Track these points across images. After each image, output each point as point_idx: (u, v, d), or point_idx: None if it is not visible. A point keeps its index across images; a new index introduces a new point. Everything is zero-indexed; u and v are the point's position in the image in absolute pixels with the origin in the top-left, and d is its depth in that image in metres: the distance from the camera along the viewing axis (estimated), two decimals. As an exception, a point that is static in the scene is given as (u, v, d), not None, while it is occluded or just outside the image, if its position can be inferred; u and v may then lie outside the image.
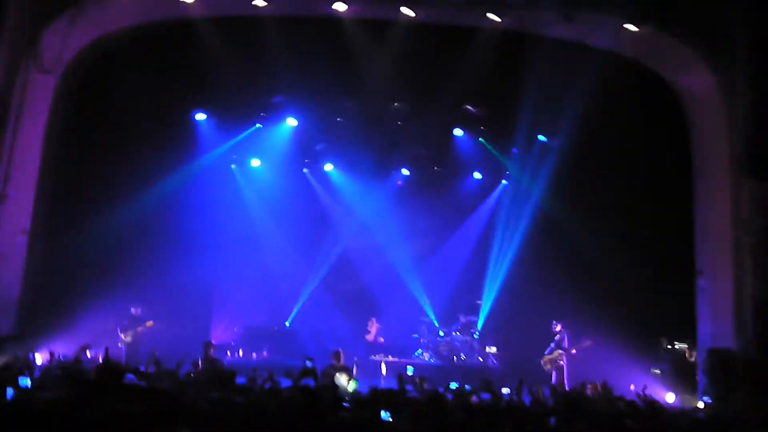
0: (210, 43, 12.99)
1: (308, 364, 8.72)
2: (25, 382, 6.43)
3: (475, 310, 15.37)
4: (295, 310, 15.53)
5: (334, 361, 10.35)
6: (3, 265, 11.62)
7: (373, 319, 14.51)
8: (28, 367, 7.74)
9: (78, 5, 11.90)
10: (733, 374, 10.62)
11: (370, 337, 14.32)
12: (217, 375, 8.25)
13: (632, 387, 10.86)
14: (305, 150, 16.08)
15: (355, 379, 9.84)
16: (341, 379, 9.49)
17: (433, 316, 15.27)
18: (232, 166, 15.91)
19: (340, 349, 10.69)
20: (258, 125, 15.42)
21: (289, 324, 15.43)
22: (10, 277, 11.76)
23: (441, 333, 14.97)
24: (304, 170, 16.53)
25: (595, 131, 13.72)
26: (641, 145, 13.45)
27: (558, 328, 13.17)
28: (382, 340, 14.41)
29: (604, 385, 9.45)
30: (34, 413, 5.32)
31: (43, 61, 11.71)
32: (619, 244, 14.09)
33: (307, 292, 15.55)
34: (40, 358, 9.48)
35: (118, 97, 12.98)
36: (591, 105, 13.26)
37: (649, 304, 13.62)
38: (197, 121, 15.06)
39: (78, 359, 8.42)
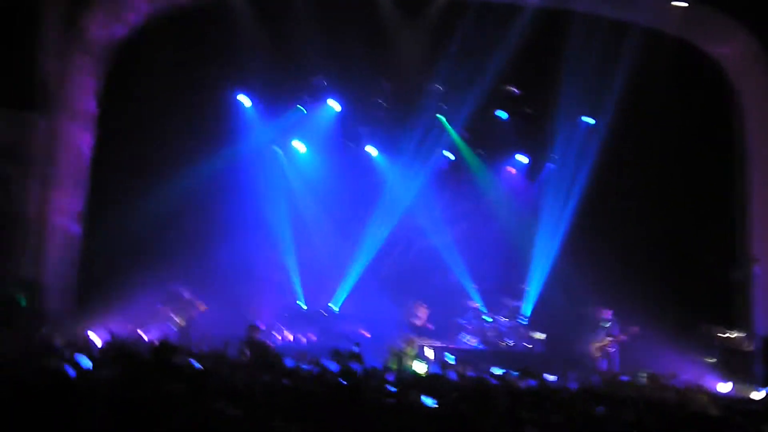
0: (249, 24, 13.05)
1: (355, 348, 8.75)
2: (85, 361, 6.58)
3: (520, 295, 15.18)
4: (341, 294, 15.57)
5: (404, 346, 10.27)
6: (61, 248, 11.96)
7: (423, 304, 14.40)
8: (86, 346, 7.94)
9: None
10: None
11: (419, 322, 14.25)
12: (265, 358, 8.35)
13: (685, 376, 10.62)
14: (347, 132, 16.06)
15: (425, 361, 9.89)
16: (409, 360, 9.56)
17: (479, 301, 15.12)
18: (275, 148, 15.92)
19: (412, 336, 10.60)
20: (300, 107, 15.41)
21: (337, 308, 15.50)
22: (67, 256, 12.10)
23: (487, 318, 14.83)
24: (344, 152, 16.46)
25: (641, 109, 13.39)
26: (685, 125, 13.06)
27: (608, 314, 12.94)
28: (431, 326, 14.28)
29: (656, 376, 9.24)
30: (93, 391, 5.45)
31: (87, 44, 11.89)
32: (669, 228, 13.77)
33: (353, 276, 15.53)
34: (97, 339, 9.72)
35: (161, 80, 13.11)
36: (632, 84, 12.98)
37: (701, 291, 13.29)
38: (239, 102, 15.16)
39: (134, 339, 8.61)
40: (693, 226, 13.65)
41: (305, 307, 15.22)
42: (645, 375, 9.35)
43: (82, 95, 12.55)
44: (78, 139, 12.46)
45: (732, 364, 11.93)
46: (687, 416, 6.33)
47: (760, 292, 12.02)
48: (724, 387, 10.73)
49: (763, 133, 12.26)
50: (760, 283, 12.00)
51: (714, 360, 12.36)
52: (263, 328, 12.24)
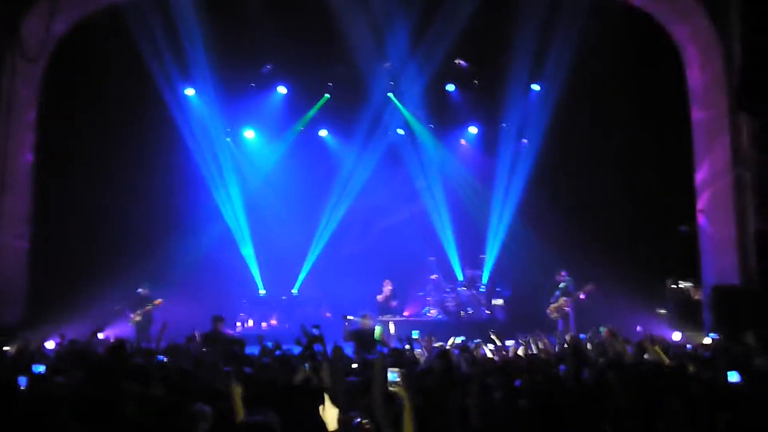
0: (192, 14, 12.86)
1: (315, 331, 8.78)
2: (39, 368, 6.52)
3: (479, 264, 15.47)
4: (300, 278, 15.64)
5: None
6: (8, 255, 11.72)
7: (387, 281, 14.52)
8: (40, 354, 7.85)
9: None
10: (738, 309, 10.70)
11: (381, 297, 14.39)
12: (227, 348, 8.36)
13: (639, 328, 10.98)
14: (298, 117, 16.01)
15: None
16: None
17: (438, 273, 15.35)
18: (227, 138, 15.78)
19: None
20: (251, 90, 15.30)
21: (297, 291, 15.56)
22: (15, 266, 11.87)
23: (447, 289, 15.08)
24: (295, 137, 16.43)
25: (590, 77, 13.62)
26: (636, 88, 13.35)
27: (563, 275, 13.24)
28: (394, 303, 14.47)
29: (612, 331, 9.50)
30: (50, 398, 5.41)
31: (26, 50, 11.61)
32: (619, 189, 14.13)
33: (312, 258, 15.61)
34: (52, 344, 9.59)
35: (105, 78, 12.91)
36: (584, 50, 13.16)
37: (652, 247, 13.70)
38: (187, 96, 14.95)
39: (89, 342, 8.52)
40: (642, 186, 14.03)
41: (263, 293, 15.27)
42: (603, 330, 9.57)
43: (27, 103, 12.28)
44: (20, 145, 12.16)
45: (683, 314, 12.37)
46: (645, 370, 6.59)
47: (706, 244, 12.41)
48: (676, 336, 11.11)
49: (706, 88, 12.56)
50: (705, 234, 12.38)
51: (666, 311, 12.80)
52: (226, 317, 12.23)
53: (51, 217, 12.37)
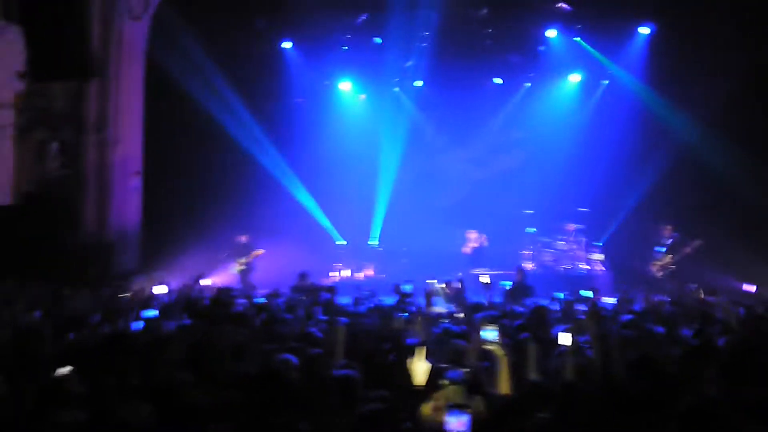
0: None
1: (407, 288, 8.79)
2: (150, 313, 6.96)
3: (580, 218, 14.93)
4: (383, 228, 15.66)
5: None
6: (125, 204, 12.52)
7: (471, 231, 14.24)
8: (151, 299, 8.37)
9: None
10: None
11: (467, 249, 14.15)
12: (315, 297, 8.57)
13: (754, 289, 10.32)
14: (395, 68, 15.83)
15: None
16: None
17: (536, 226, 14.98)
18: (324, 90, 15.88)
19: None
20: (345, 48, 15.27)
21: (382, 243, 15.65)
22: (130, 216, 12.65)
23: (546, 240, 14.72)
24: (395, 89, 16.28)
25: (700, 18, 12.57)
26: (752, 38, 12.17)
27: (668, 230, 12.58)
28: (483, 246, 14.12)
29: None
30: (159, 340, 5.77)
31: (130, 8, 12.09)
32: (730, 144, 13.09)
33: (405, 210, 15.56)
34: (164, 288, 10.19)
35: (207, 35, 13.24)
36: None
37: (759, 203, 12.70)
38: (284, 50, 15.13)
39: (193, 289, 9.00)
40: (760, 139, 12.92)
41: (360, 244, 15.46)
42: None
43: (135, 60, 12.85)
44: (130, 101, 12.80)
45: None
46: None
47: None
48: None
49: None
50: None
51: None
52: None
53: (159, 169, 13.00)
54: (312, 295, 8.70)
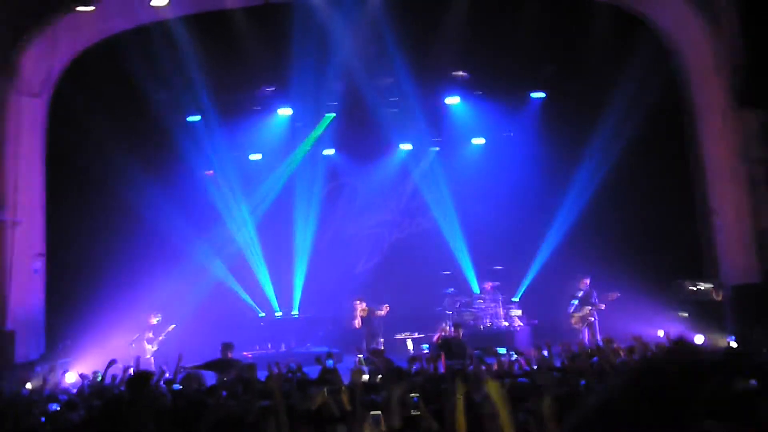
0: (189, 44, 13.00)
1: (329, 362, 8.64)
2: (54, 406, 6.48)
3: (496, 276, 15.26)
4: (301, 297, 15.55)
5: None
6: (25, 290, 11.76)
7: (358, 301, 13.13)
8: (59, 389, 7.81)
9: (52, 23, 11.85)
10: (758, 308, 10.51)
11: (356, 323, 12.94)
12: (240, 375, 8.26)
13: (661, 333, 10.79)
14: (303, 137, 16.03)
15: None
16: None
17: (454, 287, 15.21)
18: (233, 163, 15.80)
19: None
20: (255, 113, 15.37)
21: (298, 312, 15.45)
22: (33, 300, 11.90)
23: (464, 301, 14.92)
24: (305, 157, 16.43)
25: (587, 80, 13.56)
26: (637, 92, 13.22)
27: (586, 282, 12.93)
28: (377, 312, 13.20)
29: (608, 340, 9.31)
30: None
31: (28, 86, 11.74)
32: (629, 193, 13.97)
33: (322, 277, 15.46)
34: (72, 377, 9.56)
35: (109, 110, 12.98)
36: (578, 54, 13.15)
37: (667, 248, 13.51)
38: (191, 123, 15.02)
39: (105, 376, 8.48)
40: (655, 187, 13.84)
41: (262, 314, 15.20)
42: (606, 340, 9.36)
43: (35, 138, 12.38)
44: (30, 180, 12.25)
45: (704, 315, 12.12)
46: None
47: (722, 243, 12.25)
48: (699, 339, 10.90)
49: (703, 87, 12.48)
50: (722, 233, 12.22)
51: (687, 314, 12.55)
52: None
53: (63, 250, 12.40)
54: (231, 372, 8.37)
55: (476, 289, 15.25)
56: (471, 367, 7.96)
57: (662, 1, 12.58)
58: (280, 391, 4.75)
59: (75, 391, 7.84)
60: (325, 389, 6.54)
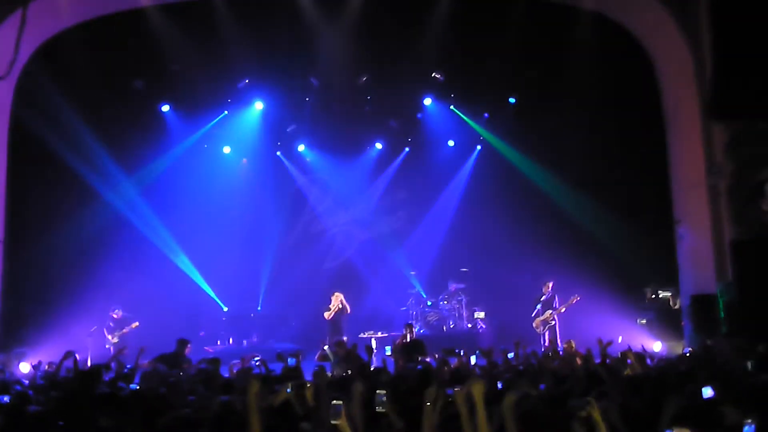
0: (167, 33, 12.79)
1: (292, 361, 8.59)
2: (4, 398, 6.32)
3: (461, 278, 15.37)
4: (266, 293, 15.45)
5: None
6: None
7: (336, 293, 13.65)
8: (11, 380, 7.64)
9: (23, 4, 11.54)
10: (715, 318, 10.74)
11: (328, 315, 13.50)
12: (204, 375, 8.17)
13: (620, 339, 10.96)
14: (276, 133, 15.92)
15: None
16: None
17: (419, 287, 15.28)
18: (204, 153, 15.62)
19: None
20: (225, 112, 15.18)
21: (261, 308, 15.36)
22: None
23: (429, 303, 15.00)
24: (277, 153, 16.34)
25: (564, 87, 13.68)
26: (612, 99, 13.41)
27: (550, 286, 13.09)
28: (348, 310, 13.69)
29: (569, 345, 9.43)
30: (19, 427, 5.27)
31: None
32: (598, 199, 14.16)
33: (289, 273, 15.38)
34: (26, 367, 9.37)
35: (79, 96, 12.74)
36: (556, 61, 13.26)
37: (632, 255, 13.71)
38: (163, 113, 14.80)
39: (61, 367, 8.32)
40: (629, 195, 14.04)
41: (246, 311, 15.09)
42: (567, 344, 9.49)
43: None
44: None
45: (664, 323, 12.39)
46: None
47: (684, 253, 12.47)
48: (657, 346, 11.12)
49: (677, 97, 12.67)
50: (684, 243, 12.44)
51: (646, 321, 12.81)
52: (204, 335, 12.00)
53: (25, 238, 12.13)
54: (189, 367, 8.28)
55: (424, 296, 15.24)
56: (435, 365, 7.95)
57: (640, 9, 12.72)
58: (252, 387, 4.64)
59: (27, 382, 7.67)
60: (290, 384, 6.54)
